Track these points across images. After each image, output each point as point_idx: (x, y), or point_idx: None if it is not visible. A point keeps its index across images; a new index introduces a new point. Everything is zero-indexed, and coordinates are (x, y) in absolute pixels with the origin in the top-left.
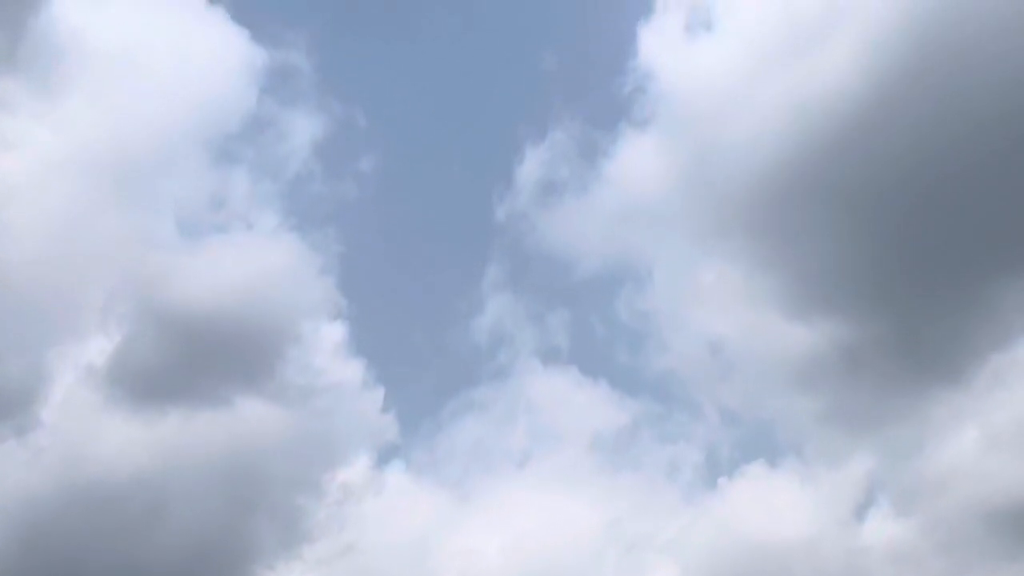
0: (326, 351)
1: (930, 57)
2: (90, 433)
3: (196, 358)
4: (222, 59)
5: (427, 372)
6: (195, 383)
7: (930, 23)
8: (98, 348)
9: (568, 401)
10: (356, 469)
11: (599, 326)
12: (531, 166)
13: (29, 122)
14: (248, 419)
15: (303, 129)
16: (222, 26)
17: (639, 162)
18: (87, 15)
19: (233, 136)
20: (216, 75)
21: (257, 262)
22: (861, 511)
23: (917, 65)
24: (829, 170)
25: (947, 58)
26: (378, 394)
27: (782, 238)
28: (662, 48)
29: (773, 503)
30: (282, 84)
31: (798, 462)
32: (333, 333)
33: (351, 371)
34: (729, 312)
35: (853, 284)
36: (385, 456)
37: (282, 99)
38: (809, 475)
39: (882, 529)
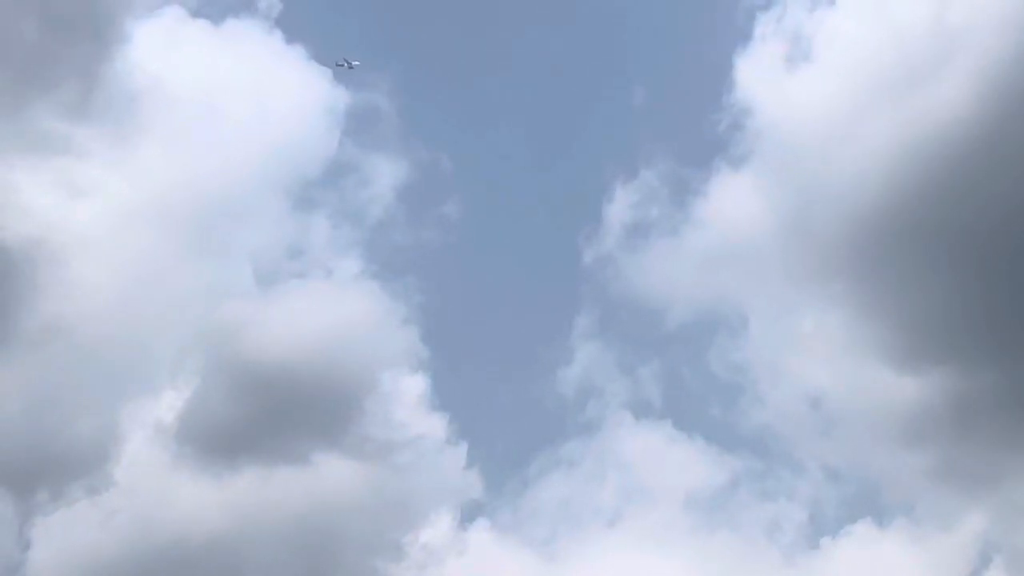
0: (407, 404)
1: None
2: (163, 493)
3: (271, 412)
4: (302, 101)
5: (513, 426)
6: (270, 438)
7: None
8: (169, 403)
9: (661, 457)
10: (438, 529)
11: (693, 378)
12: (620, 207)
13: (103, 170)
14: (325, 476)
15: (386, 174)
16: (302, 66)
17: (734, 202)
18: (164, 60)
19: (313, 181)
20: (296, 118)
21: (336, 311)
22: (976, 575)
23: None
24: (939, 210)
25: None
26: (461, 449)
27: (888, 283)
28: (760, 81)
29: (881, 565)
30: (364, 127)
31: (907, 522)
32: (415, 385)
33: (433, 425)
34: (831, 363)
35: (965, 331)
36: (469, 514)
37: (364, 143)
38: (919, 536)
39: None
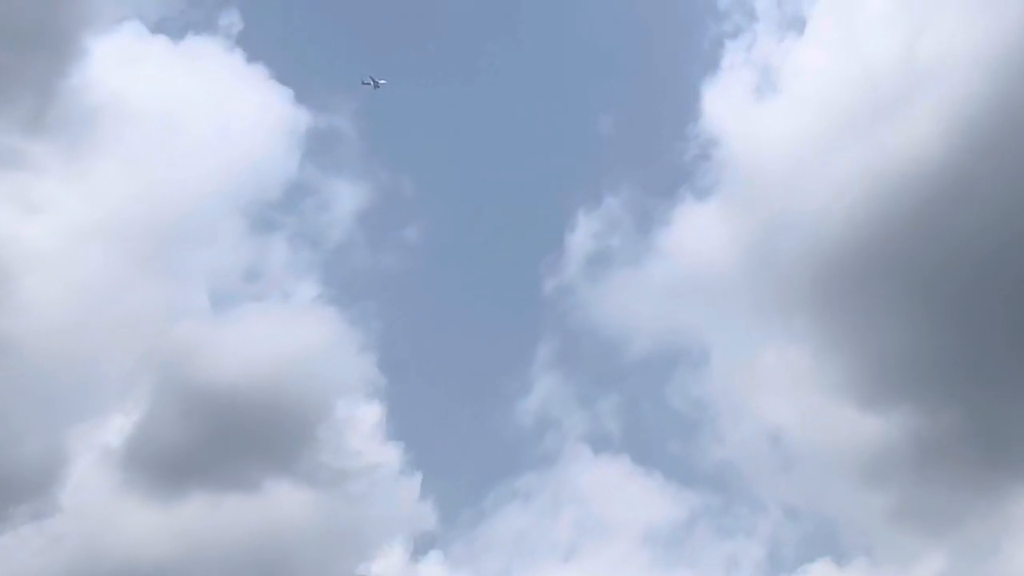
0: (362, 433)
1: (1021, 124)
2: (110, 518)
3: (222, 437)
4: (263, 121)
5: (469, 457)
6: (220, 464)
7: (1021, 86)
8: (118, 426)
9: (619, 491)
10: (391, 560)
11: (652, 411)
12: (582, 235)
13: (57, 186)
14: (277, 503)
15: (346, 196)
16: (263, 86)
17: (698, 233)
18: (123, 76)
19: (272, 203)
20: (256, 138)
21: (292, 336)
22: None
23: (1005, 132)
24: (906, 246)
25: None
26: (416, 480)
27: (852, 319)
28: (727, 111)
29: None
30: (325, 149)
31: (867, 562)
32: (370, 414)
33: (388, 455)
34: (793, 399)
35: (929, 370)
36: (422, 546)
37: (325, 164)
38: None
39: None
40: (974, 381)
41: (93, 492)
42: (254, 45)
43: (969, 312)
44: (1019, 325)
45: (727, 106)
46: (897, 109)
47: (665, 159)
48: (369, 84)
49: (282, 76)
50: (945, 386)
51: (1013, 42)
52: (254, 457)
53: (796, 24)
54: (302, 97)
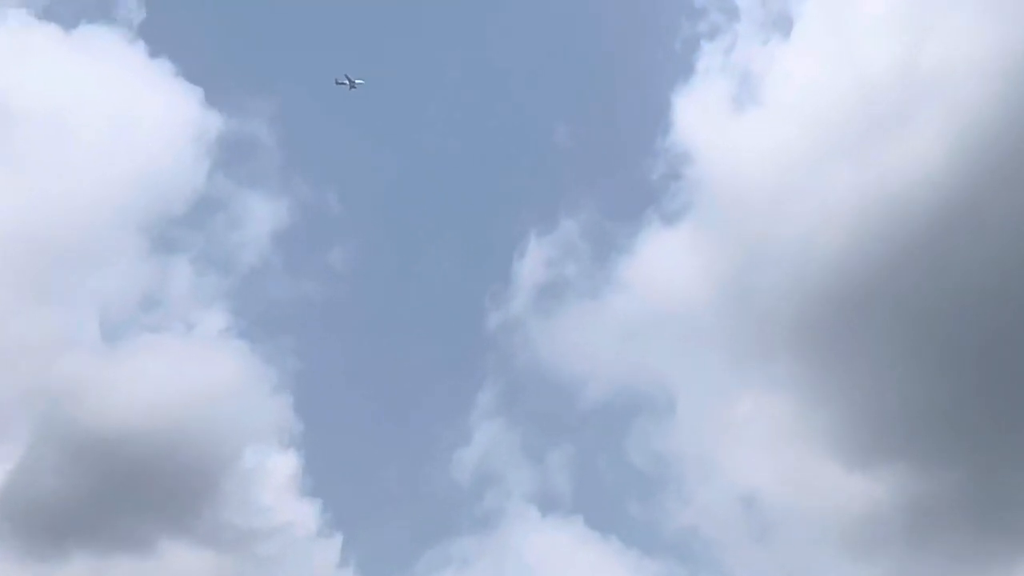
0: (274, 486)
1: None
2: None
3: (110, 489)
4: (167, 124)
5: (397, 517)
6: (107, 520)
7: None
8: None
9: (570, 558)
10: None
11: (609, 467)
12: (533, 262)
13: None
14: (172, 567)
15: (262, 213)
16: (168, 84)
17: (666, 262)
18: (6, 71)
19: (176, 219)
20: (159, 143)
21: (195, 373)
22: None
23: (1019, 152)
24: (902, 284)
25: None
26: (336, 542)
27: (841, 365)
28: (702, 123)
29: None
30: (239, 158)
31: None
32: (284, 465)
33: (304, 512)
34: (769, 455)
35: (926, 425)
36: None
37: (238, 176)
38: None
39: None
40: (977, 438)
41: None
42: (158, 37)
43: (973, 359)
44: None
45: (701, 117)
46: (895, 124)
47: (629, 177)
48: (344, 84)
49: (190, 73)
50: (944, 443)
51: None
52: (147, 513)
53: (782, 25)
54: (213, 98)
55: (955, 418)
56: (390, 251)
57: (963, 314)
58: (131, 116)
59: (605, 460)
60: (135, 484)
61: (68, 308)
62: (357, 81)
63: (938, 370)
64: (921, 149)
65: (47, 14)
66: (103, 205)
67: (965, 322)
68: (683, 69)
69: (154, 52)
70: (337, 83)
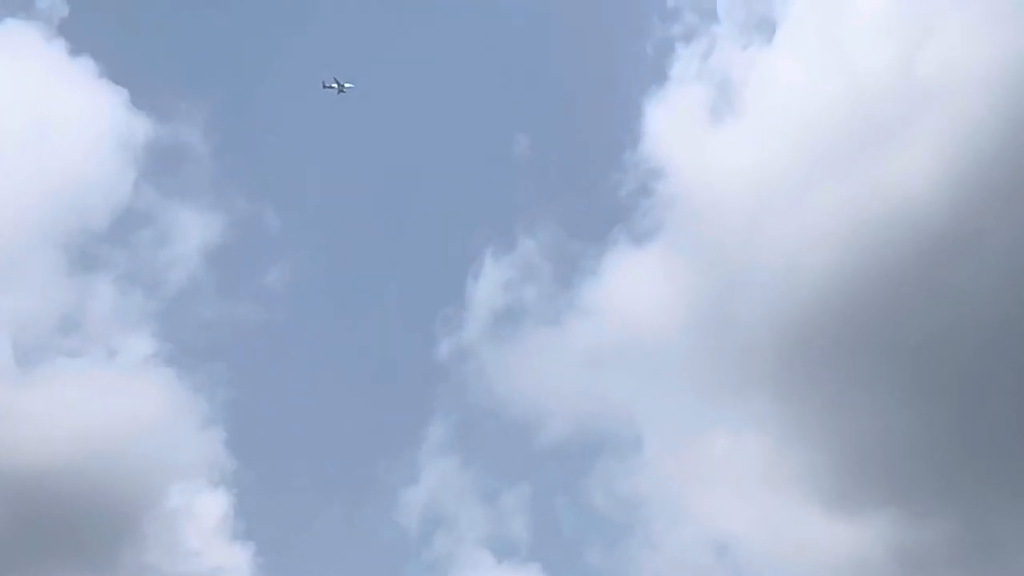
0: (203, 528)
1: None
2: None
3: (21, 530)
4: (89, 130)
5: (338, 563)
6: (19, 566)
7: None
8: None
9: None
10: None
11: (569, 510)
12: (489, 285)
13: None
14: None
15: (193, 229)
16: (91, 85)
17: (634, 287)
18: None
19: (98, 235)
20: (80, 151)
21: (117, 403)
22: None
23: (1016, 173)
24: (894, 312)
25: None
26: None
27: (823, 402)
28: (676, 134)
29: None
30: (168, 168)
31: None
32: (214, 504)
33: (236, 557)
34: (745, 499)
35: (916, 468)
36: None
37: (167, 188)
38: None
39: None
40: (971, 484)
41: None
42: (80, 33)
43: (968, 397)
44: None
45: (675, 128)
46: (888, 138)
47: (595, 192)
48: (332, 88)
49: (115, 74)
50: (935, 489)
51: None
52: (63, 557)
53: (764, 27)
54: (140, 101)
55: (947, 462)
56: (332, 271)
57: (960, 350)
58: (49, 120)
59: (565, 502)
60: (49, 524)
61: None
62: (346, 85)
63: (930, 410)
64: (917, 166)
65: None
66: (16, 218)
67: (962, 359)
68: (655, 75)
69: (75, 50)
70: (325, 86)
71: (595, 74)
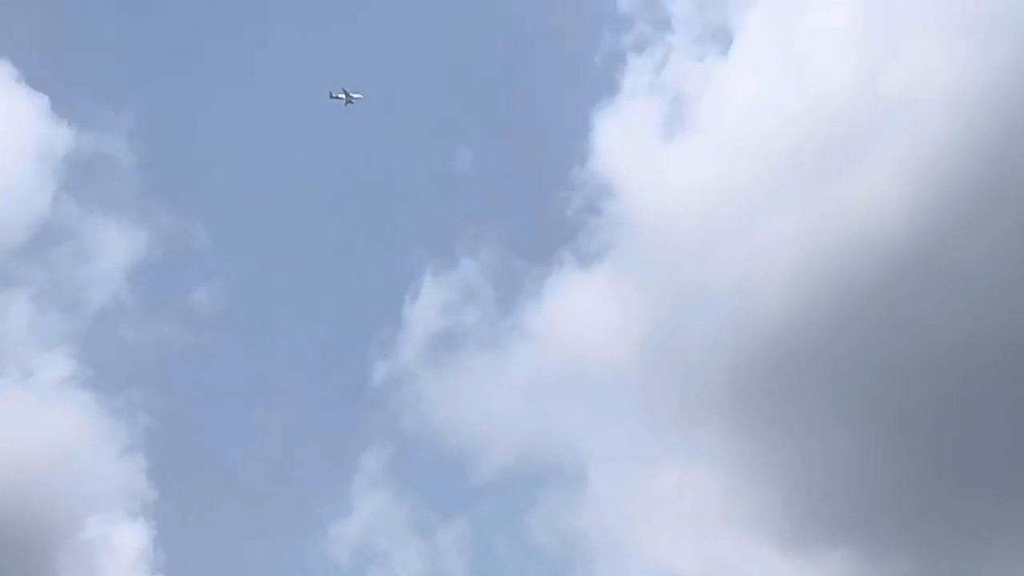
0: (121, 562)
1: (1000, 185)
2: None
3: None
4: (5, 138)
5: None
6: None
7: (1001, 134)
8: None
9: None
10: None
11: (509, 546)
12: (427, 306)
13: None
14: None
15: (116, 245)
16: (7, 91)
17: (580, 311)
18: None
19: (14, 250)
20: None
21: (31, 428)
22: None
23: (989, 194)
24: (851, 342)
25: (1021, 187)
26: None
27: (778, 435)
28: (626, 150)
29: None
30: (90, 181)
31: None
32: (133, 537)
33: None
34: (695, 537)
35: (873, 505)
36: None
37: (89, 201)
38: None
39: None
40: (933, 521)
41: None
42: None
43: (930, 430)
44: (992, 448)
45: (626, 144)
46: (849, 158)
47: (541, 210)
48: (340, 98)
49: (34, 79)
50: (895, 527)
51: (1005, 76)
52: None
53: (721, 39)
54: (61, 108)
55: (908, 498)
56: (263, 291)
57: (920, 380)
58: None
59: (505, 538)
60: None
61: None
62: (355, 96)
63: (890, 443)
64: (878, 188)
65: None
66: None
67: (923, 389)
68: (605, 88)
69: None
70: (332, 97)
71: (542, 85)
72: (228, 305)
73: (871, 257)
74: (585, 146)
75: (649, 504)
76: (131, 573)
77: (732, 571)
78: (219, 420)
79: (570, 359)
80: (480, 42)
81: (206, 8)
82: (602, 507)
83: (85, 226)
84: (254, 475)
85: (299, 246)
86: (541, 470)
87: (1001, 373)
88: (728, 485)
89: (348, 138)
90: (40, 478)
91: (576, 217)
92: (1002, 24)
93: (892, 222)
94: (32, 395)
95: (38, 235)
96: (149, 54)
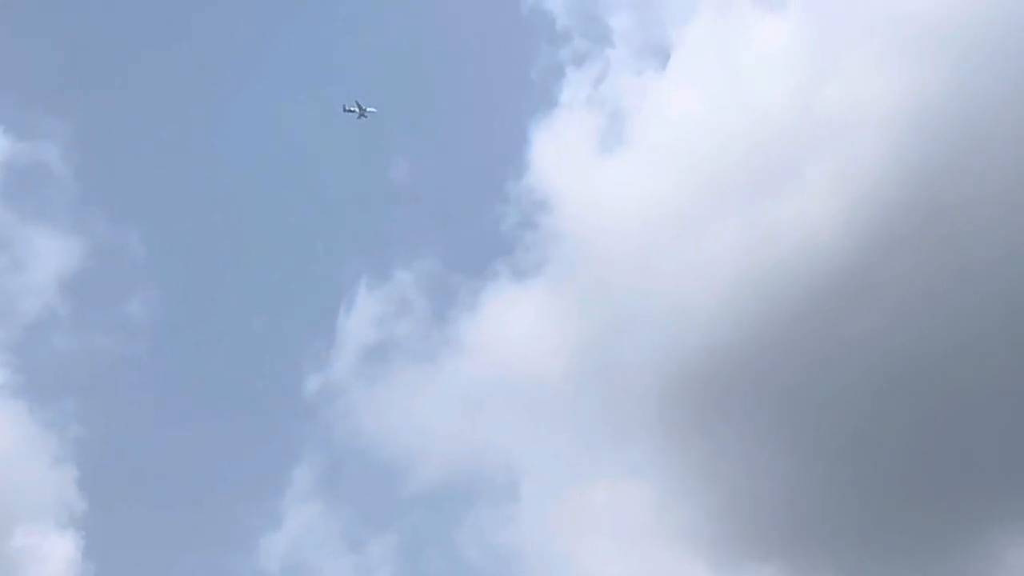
0: (49, 573)
1: (933, 205)
2: None
3: None
4: None
5: None
6: None
7: (935, 155)
8: None
9: None
10: None
11: (439, 560)
12: (360, 319)
13: None
14: None
15: (49, 254)
16: None
17: (514, 325)
18: None
19: None
20: None
21: None
22: None
23: (923, 214)
24: (782, 360)
25: (955, 207)
26: None
27: (710, 451)
28: (564, 165)
29: None
30: (24, 189)
31: None
32: (62, 548)
33: None
34: (625, 552)
35: (803, 522)
36: None
37: (22, 210)
38: None
39: None
40: (860, 538)
41: None
42: None
43: (860, 448)
44: (921, 465)
45: (563, 158)
46: (785, 177)
47: (476, 224)
48: (353, 112)
49: None
50: (823, 543)
51: (940, 98)
52: None
53: (659, 53)
54: None
55: (837, 516)
56: (197, 301)
57: (852, 398)
58: None
59: (435, 552)
60: None
61: None
62: (368, 109)
63: (819, 461)
64: (813, 207)
65: None
66: None
67: (852, 409)
68: (542, 101)
69: None
70: (345, 110)
71: (479, 98)
72: (162, 315)
73: (805, 274)
74: (522, 160)
75: (580, 519)
76: None
77: None
78: (151, 431)
79: (503, 373)
80: (417, 54)
81: (140, 16)
82: (533, 522)
83: (19, 235)
84: (185, 486)
85: (234, 256)
86: (473, 484)
87: (932, 390)
88: (659, 500)
89: (284, 149)
90: None
91: (512, 231)
92: (936, 47)
93: (827, 240)
94: None
95: None
96: (85, 62)
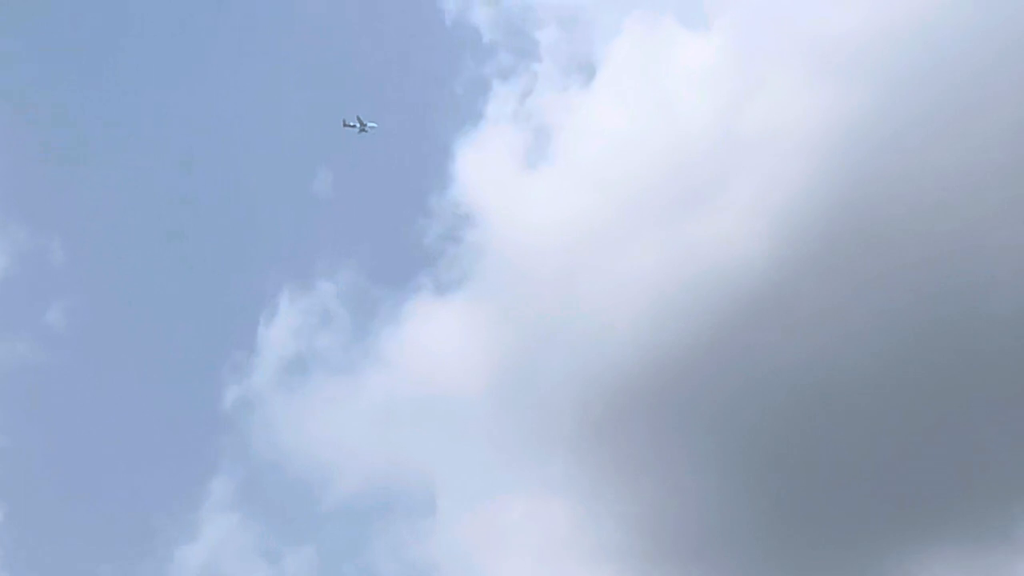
0: None
1: (855, 225)
2: None
3: None
4: None
5: None
6: None
7: (858, 176)
8: None
9: None
10: None
11: (356, 574)
12: (281, 329)
13: None
14: None
15: None
16: None
17: (435, 339)
18: None
19: None
20: None
21: None
22: None
23: (843, 235)
24: (702, 377)
25: (876, 228)
26: None
27: (629, 467)
28: (487, 180)
29: None
30: None
31: None
32: None
33: None
34: (543, 569)
35: (723, 540)
36: None
37: None
38: None
39: None
40: (782, 556)
41: None
42: None
43: (779, 466)
44: (840, 482)
45: (487, 173)
46: (708, 195)
47: (399, 237)
48: (354, 127)
49: None
50: (744, 562)
51: (864, 120)
52: None
53: (585, 69)
54: None
55: (758, 533)
56: (118, 310)
57: (769, 416)
58: None
59: (351, 567)
60: None
61: None
62: (369, 124)
63: (739, 477)
64: (735, 226)
65: None
66: None
67: (770, 425)
68: (467, 115)
69: None
70: (346, 125)
71: (404, 110)
72: (82, 324)
73: (727, 293)
74: (446, 173)
75: (498, 534)
76: None
77: None
78: (68, 440)
79: (423, 387)
80: (342, 64)
81: (62, 20)
82: (450, 536)
83: None
84: (101, 497)
85: (155, 265)
86: (390, 498)
87: (853, 408)
88: (575, 517)
89: (207, 157)
90: None
91: (435, 244)
92: (860, 68)
93: (749, 258)
94: None
95: None
96: (6, 69)
